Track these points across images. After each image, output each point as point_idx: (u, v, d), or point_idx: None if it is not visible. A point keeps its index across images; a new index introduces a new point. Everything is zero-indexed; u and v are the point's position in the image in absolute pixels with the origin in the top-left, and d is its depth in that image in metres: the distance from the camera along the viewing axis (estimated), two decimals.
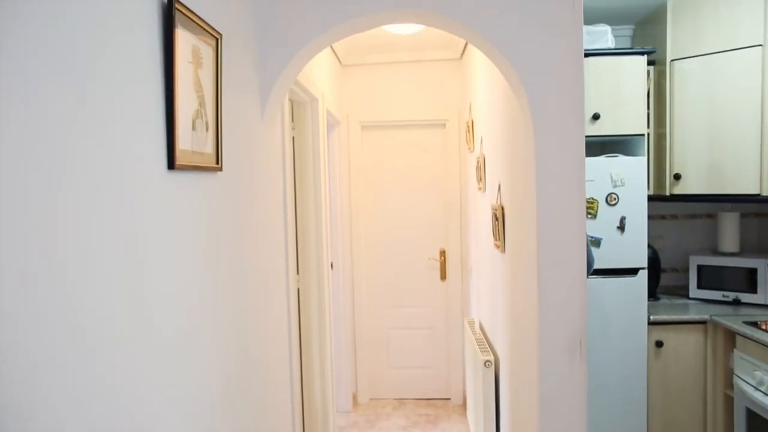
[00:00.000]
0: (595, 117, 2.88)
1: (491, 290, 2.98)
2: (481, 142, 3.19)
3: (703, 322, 2.83)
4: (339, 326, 3.98)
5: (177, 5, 1.13)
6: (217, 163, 1.38)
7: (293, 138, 3.05)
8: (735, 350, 2.60)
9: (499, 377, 2.81)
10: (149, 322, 1.06)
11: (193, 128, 1.22)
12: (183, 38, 1.17)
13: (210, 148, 1.33)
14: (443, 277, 4.21)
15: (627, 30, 3.45)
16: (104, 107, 0.93)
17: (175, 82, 1.12)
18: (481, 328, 3.40)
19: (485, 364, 2.79)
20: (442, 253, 4.20)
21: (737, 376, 2.56)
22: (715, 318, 2.75)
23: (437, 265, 4.22)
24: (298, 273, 3.08)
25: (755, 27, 2.74)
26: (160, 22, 1.11)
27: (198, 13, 1.28)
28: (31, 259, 0.75)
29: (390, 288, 4.28)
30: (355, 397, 4.28)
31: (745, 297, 2.97)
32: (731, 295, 3.01)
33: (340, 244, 4.02)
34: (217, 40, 1.37)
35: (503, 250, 2.55)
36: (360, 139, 4.22)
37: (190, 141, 1.21)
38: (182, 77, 1.16)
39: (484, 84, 3.10)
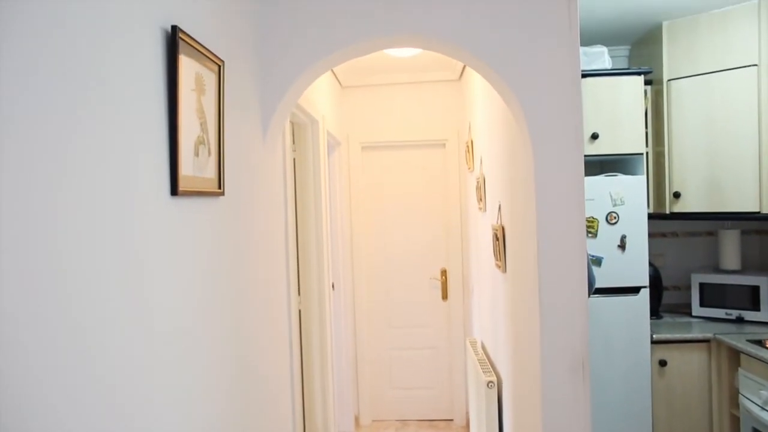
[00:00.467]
0: (594, 136, 2.91)
1: (493, 310, 2.97)
2: (481, 162, 3.21)
3: (706, 341, 2.81)
4: (340, 347, 3.96)
5: (180, 34, 1.16)
6: (220, 187, 1.39)
7: (294, 159, 3.07)
8: (740, 369, 2.58)
9: (502, 398, 2.78)
10: (150, 342, 1.06)
11: (196, 154, 1.24)
12: (186, 66, 1.19)
13: (212, 173, 1.35)
14: (445, 296, 4.20)
15: (623, 50, 3.49)
16: (109, 136, 0.94)
17: (179, 110, 1.13)
18: (483, 348, 3.38)
19: (488, 385, 2.77)
20: (444, 273, 4.19)
21: (743, 395, 2.54)
22: (719, 336, 2.73)
23: (438, 284, 4.22)
24: (299, 294, 3.07)
25: (749, 47, 2.77)
26: (164, 51, 1.13)
27: (201, 41, 1.30)
28: (34, 277, 0.76)
29: (391, 308, 4.26)
30: (357, 419, 4.24)
31: (749, 315, 2.96)
32: (734, 313, 3.00)
33: (341, 265, 4.02)
34: (219, 66, 1.39)
35: (504, 270, 2.55)
36: (360, 159, 4.25)
37: (193, 167, 1.22)
38: (185, 105, 1.18)
39: (482, 104, 3.13)
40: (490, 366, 3.03)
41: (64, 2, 0.83)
